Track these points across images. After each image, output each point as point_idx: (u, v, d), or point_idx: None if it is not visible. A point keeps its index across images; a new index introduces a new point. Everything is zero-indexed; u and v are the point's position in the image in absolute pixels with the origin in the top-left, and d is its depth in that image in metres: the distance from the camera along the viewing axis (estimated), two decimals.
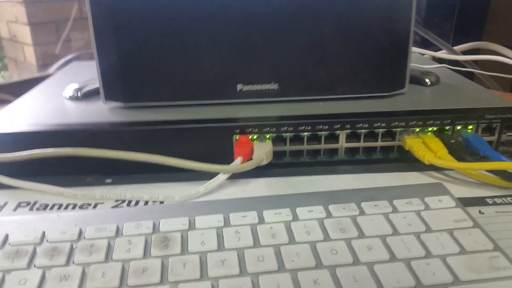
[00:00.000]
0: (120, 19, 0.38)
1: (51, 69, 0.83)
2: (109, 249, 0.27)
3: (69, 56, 0.84)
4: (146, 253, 0.26)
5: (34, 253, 0.27)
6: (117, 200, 0.35)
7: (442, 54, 0.62)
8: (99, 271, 0.25)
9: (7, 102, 0.63)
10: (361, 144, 0.39)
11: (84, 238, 0.28)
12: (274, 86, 0.41)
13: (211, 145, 0.38)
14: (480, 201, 0.34)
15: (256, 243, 0.27)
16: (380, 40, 0.40)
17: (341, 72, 0.41)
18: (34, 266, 0.26)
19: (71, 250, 0.27)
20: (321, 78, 0.41)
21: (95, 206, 0.35)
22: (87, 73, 0.52)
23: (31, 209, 0.35)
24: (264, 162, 0.36)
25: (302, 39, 0.39)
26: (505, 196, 0.35)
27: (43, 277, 0.25)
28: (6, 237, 0.28)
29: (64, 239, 0.28)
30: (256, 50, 0.39)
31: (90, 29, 0.38)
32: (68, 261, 0.26)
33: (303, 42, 0.39)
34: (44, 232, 0.28)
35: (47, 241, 0.28)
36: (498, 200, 0.34)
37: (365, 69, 0.41)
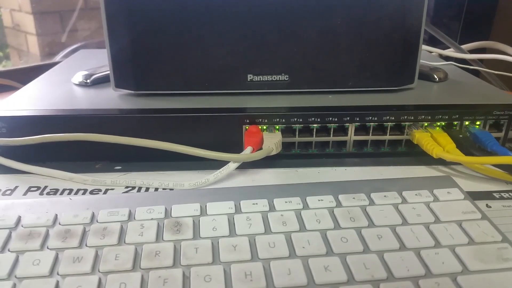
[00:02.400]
0: (132, 6, 0.38)
1: (57, 58, 0.83)
2: (122, 233, 0.27)
3: (75, 46, 0.84)
4: (158, 237, 0.27)
5: (47, 235, 0.27)
6: (127, 187, 0.35)
7: (450, 52, 0.62)
8: (112, 253, 0.25)
9: (13, 88, 0.63)
10: (370, 137, 0.39)
11: (97, 221, 0.28)
12: (284, 77, 0.41)
13: (221, 135, 0.38)
14: (487, 195, 0.34)
15: (267, 230, 0.27)
16: (391, 35, 0.40)
17: (351, 66, 0.41)
18: (47, 248, 0.26)
19: (84, 233, 0.27)
20: (332, 70, 0.41)
21: (105, 192, 0.35)
22: (96, 61, 0.52)
23: (41, 193, 0.35)
24: (274, 152, 0.36)
25: (313, 31, 0.39)
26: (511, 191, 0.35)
27: (56, 259, 0.25)
28: (19, 219, 0.28)
29: (77, 222, 0.28)
30: (267, 41, 0.40)
31: (102, 15, 0.38)
32: (81, 244, 0.26)
33: (314, 34, 0.40)
34: (56, 215, 0.28)
35: (59, 223, 0.28)
36: (505, 195, 0.34)
37: (376, 63, 0.41)
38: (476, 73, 0.60)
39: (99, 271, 0.24)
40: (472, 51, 0.64)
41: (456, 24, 0.73)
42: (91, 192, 0.35)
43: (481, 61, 0.63)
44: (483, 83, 0.48)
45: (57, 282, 0.23)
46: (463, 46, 0.64)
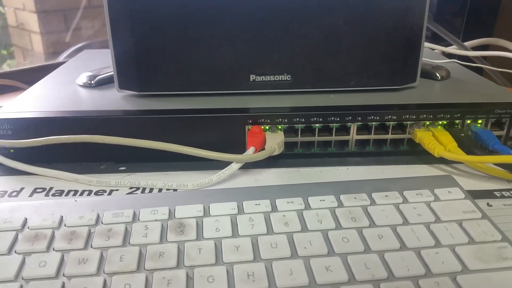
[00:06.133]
0: (136, 7, 0.38)
1: (61, 58, 0.84)
2: (126, 234, 0.27)
3: (79, 45, 0.85)
4: (162, 238, 0.27)
5: (52, 237, 0.27)
6: (131, 187, 0.36)
7: (453, 49, 0.62)
8: (117, 255, 0.26)
9: (18, 89, 0.64)
10: (372, 136, 0.39)
11: (102, 223, 0.28)
12: (286, 77, 0.41)
13: (224, 135, 0.38)
14: (488, 194, 0.35)
15: (270, 231, 0.28)
16: (393, 33, 0.40)
17: (353, 65, 0.41)
18: (53, 249, 0.26)
19: (89, 234, 0.28)
20: (334, 70, 0.41)
21: (110, 193, 0.35)
22: (100, 61, 0.52)
23: (46, 195, 0.35)
24: (276, 152, 0.37)
25: (315, 31, 0.40)
26: None
27: (62, 260, 0.25)
28: (25, 221, 0.29)
29: (82, 224, 0.28)
30: (269, 42, 0.40)
31: (106, 17, 0.38)
32: (86, 245, 0.27)
33: (316, 34, 0.40)
34: (62, 217, 0.29)
35: (65, 225, 0.28)
36: (506, 194, 0.35)
37: (377, 62, 0.41)
38: (479, 70, 0.60)
39: (104, 272, 0.25)
40: (475, 48, 0.64)
41: (459, 21, 0.73)
42: (96, 193, 0.35)
43: (485, 58, 0.63)
44: (485, 81, 0.48)
45: (63, 283, 0.24)
46: (466, 43, 0.64)
